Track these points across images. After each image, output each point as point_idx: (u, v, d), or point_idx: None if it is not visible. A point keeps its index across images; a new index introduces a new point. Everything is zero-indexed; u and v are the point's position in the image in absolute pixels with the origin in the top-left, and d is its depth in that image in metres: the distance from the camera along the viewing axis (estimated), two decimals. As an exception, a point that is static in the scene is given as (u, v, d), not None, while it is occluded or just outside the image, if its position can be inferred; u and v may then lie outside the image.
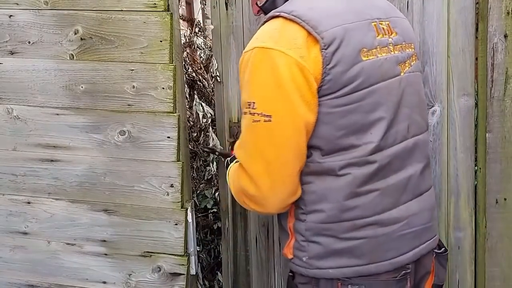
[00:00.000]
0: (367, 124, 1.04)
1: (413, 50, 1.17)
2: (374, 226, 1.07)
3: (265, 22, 1.09)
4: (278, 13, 1.05)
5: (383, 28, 1.10)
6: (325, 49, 1.00)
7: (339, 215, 1.07)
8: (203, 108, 2.15)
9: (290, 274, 1.18)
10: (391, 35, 1.12)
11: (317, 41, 1.00)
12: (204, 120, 2.19)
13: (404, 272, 1.10)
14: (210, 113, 2.16)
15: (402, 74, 1.11)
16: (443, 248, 1.22)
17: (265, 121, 1.02)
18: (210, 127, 2.19)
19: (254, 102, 1.03)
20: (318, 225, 1.09)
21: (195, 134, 2.33)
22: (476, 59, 1.54)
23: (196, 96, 2.26)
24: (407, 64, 1.14)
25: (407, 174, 1.11)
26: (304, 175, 1.08)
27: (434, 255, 1.19)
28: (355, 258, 1.08)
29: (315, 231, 1.09)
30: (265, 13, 1.20)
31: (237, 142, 1.12)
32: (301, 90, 1.00)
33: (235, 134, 1.74)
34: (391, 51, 1.10)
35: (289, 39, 1.01)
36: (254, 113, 1.03)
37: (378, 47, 1.07)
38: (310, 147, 1.06)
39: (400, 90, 1.10)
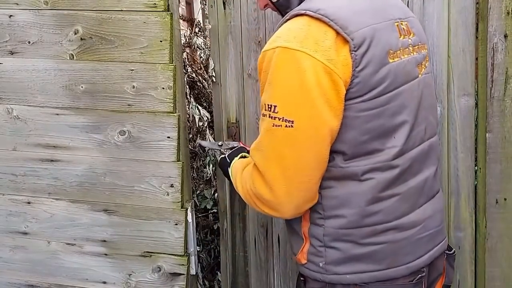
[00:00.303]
0: (391, 128, 1.02)
1: (426, 51, 1.16)
2: (394, 231, 1.05)
3: (287, 20, 1.03)
4: (304, 11, 0.99)
5: (403, 28, 1.08)
6: (355, 50, 0.95)
7: (360, 221, 1.04)
8: (199, 111, 2.15)
9: (301, 279, 1.16)
10: (410, 35, 1.09)
11: (346, 41, 0.95)
12: (201, 124, 2.19)
13: (420, 275, 1.09)
14: (206, 116, 2.16)
15: (420, 75, 1.09)
16: (453, 249, 1.23)
17: (286, 126, 0.97)
18: (208, 129, 2.19)
19: (275, 106, 0.98)
20: (337, 231, 1.06)
21: (191, 136, 2.33)
22: (476, 59, 1.54)
23: (192, 99, 2.26)
24: (423, 66, 1.12)
25: (424, 176, 1.10)
26: (324, 179, 1.05)
27: (445, 256, 1.19)
28: (373, 264, 1.06)
29: (334, 237, 1.06)
30: (278, 10, 1.17)
31: (254, 144, 1.07)
32: (327, 95, 0.95)
33: (233, 135, 1.74)
34: (411, 52, 1.07)
35: (316, 40, 0.95)
36: (275, 117, 0.98)
37: (401, 48, 1.04)
38: (332, 152, 1.02)
39: (419, 92, 1.08)
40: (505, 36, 1.47)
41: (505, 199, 1.52)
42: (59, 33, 1.59)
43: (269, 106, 0.99)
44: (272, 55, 0.98)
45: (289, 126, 0.97)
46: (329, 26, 0.96)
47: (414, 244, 1.07)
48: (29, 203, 1.69)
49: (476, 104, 1.57)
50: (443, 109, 1.55)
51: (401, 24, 1.08)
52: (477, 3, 1.50)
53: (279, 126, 0.98)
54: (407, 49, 1.06)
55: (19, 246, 1.72)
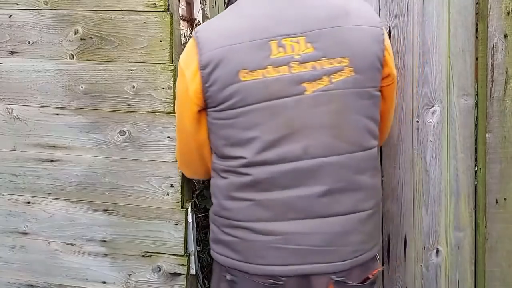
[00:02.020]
0: (243, 140, 1.11)
1: (343, 64, 1.09)
2: (247, 231, 1.14)
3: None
4: (194, 31, 1.18)
5: (290, 45, 1.08)
6: (202, 70, 1.12)
7: (220, 211, 1.21)
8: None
9: None
10: (300, 51, 1.09)
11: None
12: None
13: (271, 281, 1.13)
14: None
15: (307, 93, 1.08)
16: (350, 282, 1.14)
17: (175, 117, 1.34)
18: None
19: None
20: (212, 215, 1.26)
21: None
22: (476, 59, 1.54)
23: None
24: (320, 82, 1.09)
25: (298, 193, 1.11)
26: (211, 170, 1.27)
27: (333, 281, 1.14)
28: (233, 252, 1.18)
29: (211, 219, 1.27)
30: None
31: None
32: (188, 102, 1.18)
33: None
34: (292, 69, 1.08)
35: (188, 58, 1.16)
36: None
37: (269, 66, 1.08)
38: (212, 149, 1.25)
39: (297, 110, 1.09)
40: (505, 36, 1.46)
41: (505, 199, 1.52)
42: (59, 33, 1.59)
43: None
44: None
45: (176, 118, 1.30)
46: (196, 46, 1.14)
47: (267, 250, 1.13)
48: (28, 203, 1.69)
49: (476, 104, 1.57)
50: (443, 109, 1.55)
51: (285, 41, 1.08)
52: (477, 3, 1.50)
53: (175, 117, 1.32)
54: (285, 66, 1.08)
55: (18, 246, 1.72)
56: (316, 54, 1.09)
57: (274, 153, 1.10)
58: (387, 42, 1.17)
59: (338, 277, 1.13)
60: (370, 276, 1.17)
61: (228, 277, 1.19)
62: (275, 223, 1.12)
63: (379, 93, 1.17)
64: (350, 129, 1.12)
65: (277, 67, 1.08)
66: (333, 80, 1.09)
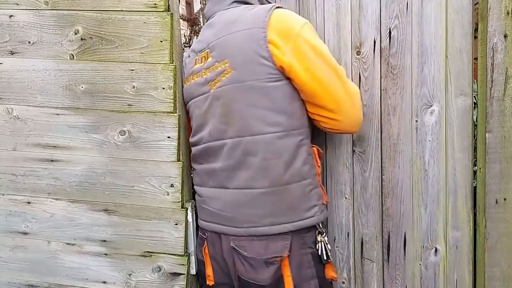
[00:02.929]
0: (192, 128, 1.54)
1: (226, 65, 1.34)
2: (196, 193, 1.55)
3: None
4: None
5: (202, 57, 1.44)
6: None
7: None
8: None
9: None
10: (206, 60, 1.42)
11: None
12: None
13: (201, 234, 1.53)
14: None
15: (211, 91, 1.40)
16: (248, 253, 1.35)
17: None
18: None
19: None
20: None
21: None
22: (476, 59, 1.54)
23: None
24: (216, 81, 1.37)
25: (211, 166, 1.44)
26: None
27: (233, 249, 1.38)
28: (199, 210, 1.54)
29: None
30: None
31: None
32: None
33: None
34: (202, 74, 1.43)
35: None
36: None
37: (192, 74, 1.49)
38: None
39: (206, 104, 1.42)
40: (505, 36, 1.47)
41: (505, 199, 1.52)
42: (59, 33, 1.59)
43: None
44: None
45: None
46: None
47: (200, 208, 1.51)
48: (29, 203, 1.69)
49: (475, 104, 1.57)
50: (441, 109, 1.55)
51: (201, 54, 1.45)
52: (477, 3, 1.50)
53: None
54: (198, 73, 1.45)
55: (19, 246, 1.72)
56: (212, 61, 1.39)
57: (197, 137, 1.49)
58: (276, 36, 1.27)
59: (234, 244, 1.37)
60: (268, 256, 1.32)
61: None
62: (202, 188, 1.49)
63: (276, 84, 1.30)
64: (237, 117, 1.34)
65: (196, 73, 1.47)
66: (222, 79, 1.35)
